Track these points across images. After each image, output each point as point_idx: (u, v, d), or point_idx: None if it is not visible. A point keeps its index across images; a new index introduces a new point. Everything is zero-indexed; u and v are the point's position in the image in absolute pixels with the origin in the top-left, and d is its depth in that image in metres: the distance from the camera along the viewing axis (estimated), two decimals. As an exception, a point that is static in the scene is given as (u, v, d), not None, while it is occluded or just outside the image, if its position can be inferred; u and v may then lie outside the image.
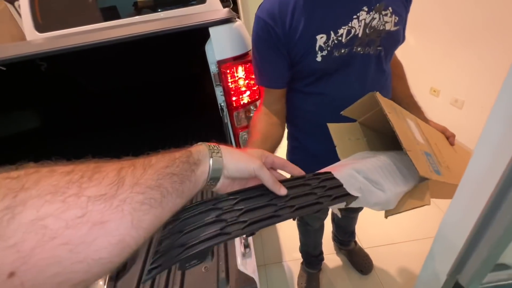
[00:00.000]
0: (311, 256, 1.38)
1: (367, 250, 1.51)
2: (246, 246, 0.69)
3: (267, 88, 0.72)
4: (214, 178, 0.37)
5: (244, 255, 0.65)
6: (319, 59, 0.64)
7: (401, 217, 1.66)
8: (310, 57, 0.64)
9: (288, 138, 0.93)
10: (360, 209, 1.25)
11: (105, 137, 1.44)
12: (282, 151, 0.97)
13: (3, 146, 1.52)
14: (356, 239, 1.52)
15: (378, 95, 0.52)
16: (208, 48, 0.82)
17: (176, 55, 1.80)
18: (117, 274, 0.61)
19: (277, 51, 0.65)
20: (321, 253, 1.40)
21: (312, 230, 1.25)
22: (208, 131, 1.21)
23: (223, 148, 0.39)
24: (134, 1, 1.98)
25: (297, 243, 1.42)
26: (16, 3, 2.95)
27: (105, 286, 0.55)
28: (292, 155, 0.93)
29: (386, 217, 0.50)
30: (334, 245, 1.58)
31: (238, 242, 0.67)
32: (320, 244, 1.36)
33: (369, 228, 1.62)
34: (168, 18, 1.56)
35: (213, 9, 1.87)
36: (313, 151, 0.82)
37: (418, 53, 2.31)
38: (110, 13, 1.90)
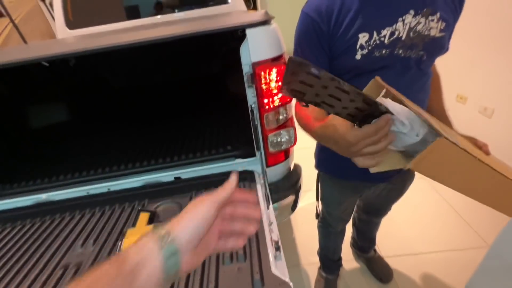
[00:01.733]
0: (330, 261, 1.36)
1: (386, 259, 1.47)
2: (277, 248, 0.68)
3: None
4: (172, 269, 0.31)
5: (275, 257, 0.65)
6: (358, 57, 0.64)
7: (423, 227, 1.60)
8: (349, 54, 0.64)
9: None
10: (384, 214, 1.22)
11: (128, 133, 1.47)
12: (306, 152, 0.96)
13: (34, 137, 1.59)
14: (376, 247, 1.48)
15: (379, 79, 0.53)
16: (243, 49, 0.82)
17: (204, 55, 1.83)
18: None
19: (320, 47, 0.66)
20: (340, 258, 1.38)
21: (333, 233, 1.24)
22: (235, 132, 1.21)
23: (173, 223, 0.33)
24: (157, 1, 2.02)
25: (314, 246, 1.40)
26: (47, 1, 3.06)
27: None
28: (322, 152, 0.95)
29: (372, 172, 0.51)
30: (352, 251, 1.55)
31: (270, 244, 0.67)
32: (340, 248, 1.34)
33: (389, 237, 1.58)
34: (191, 19, 1.58)
35: (237, 9, 1.88)
36: None
37: (444, 57, 2.24)
38: (132, 12, 1.94)
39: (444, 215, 1.69)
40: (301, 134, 0.93)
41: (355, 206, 1.25)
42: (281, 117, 0.95)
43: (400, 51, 0.65)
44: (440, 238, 1.56)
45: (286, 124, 0.97)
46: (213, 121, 1.38)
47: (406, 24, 0.63)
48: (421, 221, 1.66)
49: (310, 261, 1.53)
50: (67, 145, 1.45)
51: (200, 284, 0.58)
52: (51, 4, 2.97)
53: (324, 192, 1.06)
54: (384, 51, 0.64)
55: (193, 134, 1.31)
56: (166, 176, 1.05)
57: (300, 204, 1.24)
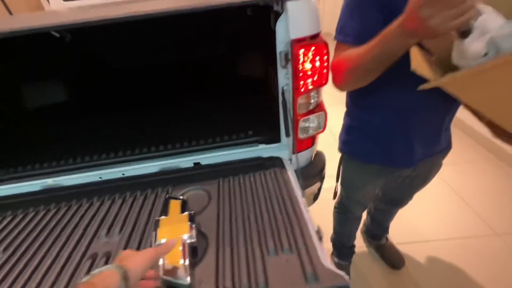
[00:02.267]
0: (344, 247, 1.36)
1: (398, 246, 1.49)
2: (320, 239, 0.65)
3: (347, 45, 0.68)
4: None
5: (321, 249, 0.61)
6: None
7: (433, 215, 1.61)
8: None
9: (345, 118, 0.94)
10: (404, 204, 1.21)
11: (144, 115, 1.38)
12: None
13: (26, 116, 1.48)
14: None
15: None
16: (279, 25, 0.75)
17: (224, 33, 1.71)
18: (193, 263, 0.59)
19: (379, 10, 0.61)
20: (354, 245, 1.38)
21: (351, 219, 1.23)
22: (257, 117, 1.14)
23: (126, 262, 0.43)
24: None
25: (326, 231, 1.39)
26: (34, -30, 2.80)
27: (186, 272, 0.52)
28: (347, 135, 0.94)
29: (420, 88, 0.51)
30: (363, 238, 1.55)
31: (314, 234, 0.64)
32: (355, 235, 1.34)
33: (399, 224, 1.59)
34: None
35: None
36: (374, 128, 0.84)
37: None
38: None
39: (452, 203, 1.71)
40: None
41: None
42: (312, 101, 0.90)
43: None
44: (449, 226, 1.59)
45: (316, 109, 0.92)
46: (233, 105, 1.31)
47: None
48: (430, 210, 1.68)
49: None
50: (75, 127, 1.36)
51: (248, 277, 0.54)
52: (39, -26, 2.72)
53: (347, 175, 1.04)
54: None
55: (213, 117, 1.24)
56: (184, 161, 1.00)
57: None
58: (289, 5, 0.71)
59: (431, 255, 1.46)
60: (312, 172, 1.00)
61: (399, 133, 0.82)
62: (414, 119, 0.78)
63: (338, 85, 0.75)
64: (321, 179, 1.05)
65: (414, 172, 0.95)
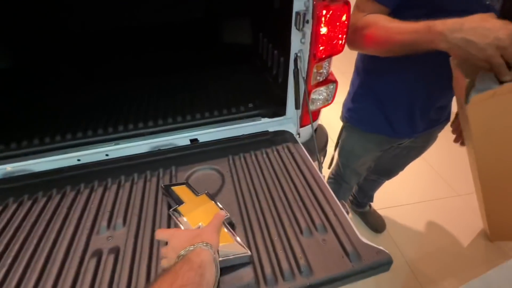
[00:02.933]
0: None
1: (379, 212, 1.60)
2: (347, 212, 0.63)
3: (370, 1, 0.67)
4: (217, 274, 0.43)
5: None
6: None
7: (407, 181, 1.73)
8: None
9: (353, 84, 0.94)
10: (395, 174, 1.27)
11: (129, 87, 1.18)
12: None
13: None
14: (368, 201, 1.59)
15: None
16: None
17: None
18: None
19: None
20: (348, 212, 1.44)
21: (344, 188, 1.26)
22: (258, 88, 1.04)
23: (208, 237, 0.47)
24: None
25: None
26: None
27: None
28: (353, 103, 0.94)
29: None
30: (349, 206, 1.64)
31: (344, 211, 0.61)
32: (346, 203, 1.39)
33: (380, 191, 1.70)
34: None
35: None
36: (381, 96, 0.84)
37: None
38: None
39: (422, 169, 1.87)
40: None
41: None
42: (323, 70, 0.84)
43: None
44: (419, 190, 1.75)
45: (327, 79, 0.86)
46: (231, 75, 1.18)
47: None
48: (404, 176, 1.81)
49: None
50: (44, 98, 1.11)
51: (287, 261, 0.51)
52: None
53: (347, 144, 1.05)
54: None
55: (209, 89, 1.10)
56: (179, 138, 0.88)
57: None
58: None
59: (406, 217, 1.60)
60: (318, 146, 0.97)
61: (406, 104, 0.83)
62: (423, 92, 0.79)
63: (355, 49, 0.73)
64: (324, 154, 1.03)
65: (413, 143, 0.99)
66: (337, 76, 0.89)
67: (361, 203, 1.54)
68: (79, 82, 1.26)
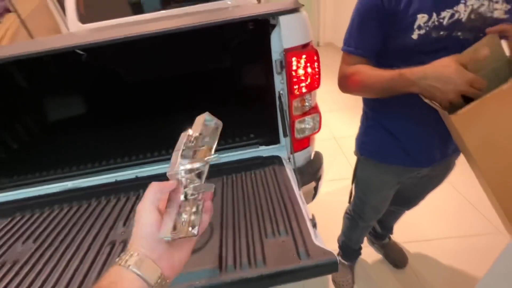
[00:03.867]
0: (351, 249, 1.37)
1: (401, 245, 1.51)
2: (314, 225, 0.72)
3: (351, 55, 0.77)
4: (153, 276, 0.32)
5: (314, 233, 0.68)
6: (415, 36, 0.65)
7: (436, 213, 1.61)
8: (407, 33, 0.66)
9: (363, 120, 0.97)
10: (415, 204, 1.23)
11: (152, 124, 1.50)
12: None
13: (52, 128, 1.61)
14: (390, 233, 1.52)
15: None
16: (274, 36, 0.85)
17: (221, 46, 1.84)
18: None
19: (378, 22, 0.68)
20: (361, 247, 1.39)
21: (362, 228, 1.22)
22: (256, 121, 1.24)
23: (134, 240, 0.34)
24: None
25: (329, 233, 1.42)
26: (54, -3, 3.05)
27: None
28: (366, 136, 0.95)
29: None
30: (366, 237, 1.58)
31: (308, 221, 0.70)
32: (363, 239, 1.35)
33: (402, 223, 1.61)
34: (207, 11, 1.60)
35: (248, 2, 1.90)
36: (392, 130, 0.86)
37: None
38: (136, 8, 1.97)
39: (454, 201, 1.73)
40: (326, 125, 0.95)
41: None
42: (306, 103, 0.98)
43: (459, 33, 0.65)
44: (451, 225, 1.60)
45: (311, 110, 1.00)
46: (236, 111, 1.41)
47: (468, 6, 0.63)
48: (432, 208, 1.70)
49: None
50: (92, 136, 1.48)
51: (247, 256, 0.61)
52: (58, 1, 2.97)
53: (363, 178, 1.04)
54: (442, 33, 0.65)
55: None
56: None
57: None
58: (281, 18, 0.81)
59: (434, 254, 1.47)
60: (309, 171, 1.07)
61: (418, 135, 0.83)
62: (433, 122, 0.77)
63: (346, 92, 0.83)
64: (317, 179, 1.11)
65: (432, 171, 0.94)
66: (340, 110, 1.00)
67: (379, 235, 1.48)
68: (121, 122, 1.62)
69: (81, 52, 1.30)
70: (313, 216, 0.74)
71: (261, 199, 0.80)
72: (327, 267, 0.58)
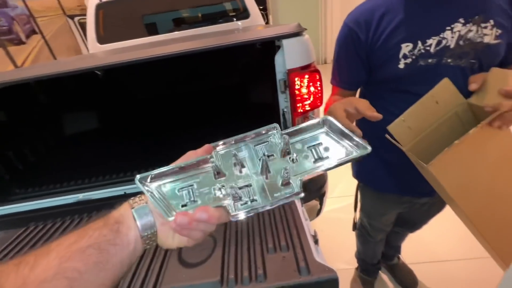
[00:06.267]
0: (368, 264, 1.35)
1: (410, 266, 1.46)
2: (316, 242, 0.72)
3: (336, 87, 0.80)
4: (148, 228, 0.34)
5: (316, 249, 0.68)
6: (401, 66, 0.66)
7: (447, 234, 1.57)
8: (392, 64, 0.66)
9: None
10: (419, 228, 1.21)
11: (158, 140, 1.56)
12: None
13: (67, 143, 1.69)
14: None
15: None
16: (277, 57, 0.90)
17: (230, 65, 1.93)
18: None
19: (357, 57, 0.70)
20: (379, 261, 1.36)
21: (373, 243, 1.21)
22: None
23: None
24: (175, 18, 2.16)
25: (334, 251, 1.40)
26: (75, 19, 3.28)
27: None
28: (361, 165, 0.95)
29: None
30: (375, 258, 1.54)
31: (309, 237, 0.71)
32: (379, 254, 1.32)
33: (412, 244, 1.57)
34: (216, 33, 1.69)
35: (257, 23, 1.99)
36: (388, 160, 0.84)
37: None
38: (151, 29, 2.09)
39: (467, 223, 1.67)
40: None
41: None
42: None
43: (449, 60, 0.64)
44: (465, 246, 1.54)
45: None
46: (238, 128, 1.45)
47: (455, 33, 0.62)
48: (445, 229, 1.65)
49: (342, 266, 1.52)
50: (104, 150, 1.54)
51: (249, 269, 0.62)
52: (79, 22, 3.19)
53: (366, 204, 1.04)
54: (430, 60, 0.64)
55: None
56: None
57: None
58: (284, 41, 0.86)
59: (447, 276, 1.42)
60: (311, 188, 1.08)
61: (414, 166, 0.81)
62: None
63: None
64: (320, 196, 1.11)
65: (433, 199, 0.91)
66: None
67: (387, 255, 1.45)
68: (132, 137, 1.68)
69: (98, 72, 1.40)
70: (315, 232, 0.75)
71: (264, 214, 0.81)
72: (327, 284, 0.58)
